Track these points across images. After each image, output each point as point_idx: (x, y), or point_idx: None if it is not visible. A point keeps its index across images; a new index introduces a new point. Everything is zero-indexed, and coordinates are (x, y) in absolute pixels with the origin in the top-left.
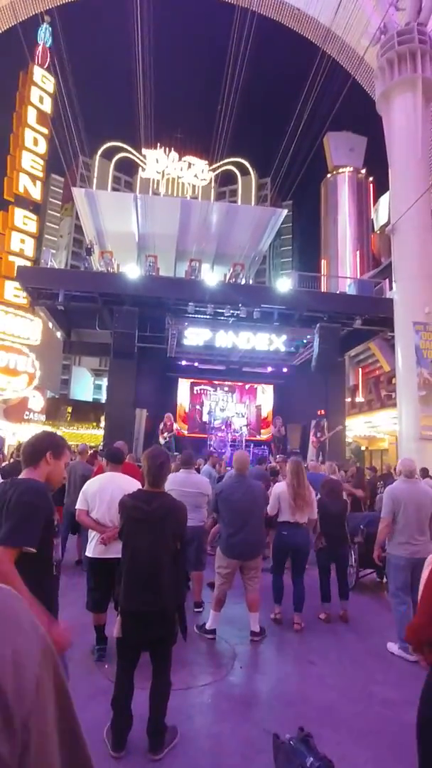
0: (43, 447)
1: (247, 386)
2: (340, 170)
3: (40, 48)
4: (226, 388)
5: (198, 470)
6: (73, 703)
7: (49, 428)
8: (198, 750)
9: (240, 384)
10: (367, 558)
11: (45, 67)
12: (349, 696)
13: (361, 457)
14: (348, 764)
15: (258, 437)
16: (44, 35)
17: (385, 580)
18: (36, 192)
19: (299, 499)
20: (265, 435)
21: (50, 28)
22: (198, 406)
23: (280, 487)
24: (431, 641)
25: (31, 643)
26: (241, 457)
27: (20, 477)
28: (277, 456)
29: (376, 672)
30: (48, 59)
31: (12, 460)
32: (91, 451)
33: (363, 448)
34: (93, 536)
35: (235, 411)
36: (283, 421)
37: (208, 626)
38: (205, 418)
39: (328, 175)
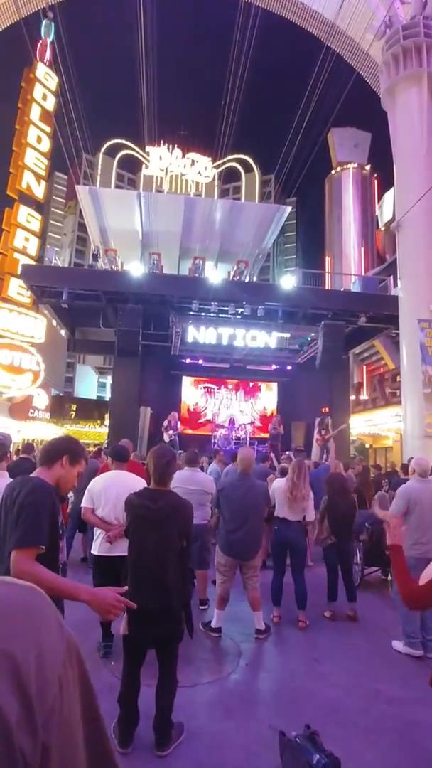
0: (61, 450)
1: (251, 384)
2: (345, 166)
3: (42, 44)
4: (230, 386)
5: (202, 468)
6: (98, 700)
7: (53, 426)
8: (204, 747)
9: (244, 382)
10: (372, 555)
11: (48, 63)
12: (355, 694)
13: (366, 455)
14: (354, 761)
15: (262, 435)
16: (47, 31)
17: (390, 577)
18: (39, 191)
19: (295, 490)
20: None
21: (53, 24)
22: (202, 404)
23: (277, 484)
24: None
25: (56, 642)
26: (246, 456)
27: (31, 475)
28: (285, 453)
29: (381, 670)
30: (51, 56)
31: (17, 458)
32: (96, 449)
33: (367, 445)
34: (99, 534)
35: (239, 409)
36: (282, 418)
37: (213, 624)
38: (209, 416)
39: (333, 172)
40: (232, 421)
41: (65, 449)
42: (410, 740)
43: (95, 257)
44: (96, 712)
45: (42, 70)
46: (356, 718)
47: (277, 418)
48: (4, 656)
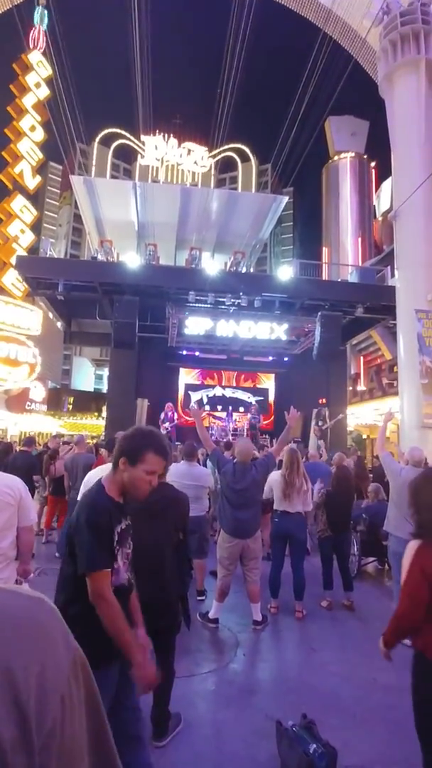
0: (117, 452)
1: (248, 375)
2: (342, 155)
3: (35, 31)
4: (227, 377)
5: (199, 461)
6: (105, 716)
7: (50, 418)
8: (201, 737)
9: (241, 373)
10: (368, 546)
11: (41, 51)
12: (352, 682)
13: (363, 445)
14: (350, 750)
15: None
16: (40, 19)
17: (387, 567)
18: (31, 182)
19: (289, 488)
20: (266, 423)
21: (46, 11)
22: (199, 396)
23: (274, 477)
24: (413, 629)
25: (61, 658)
26: (244, 447)
27: (97, 483)
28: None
29: (378, 658)
30: (44, 43)
31: (16, 452)
32: (93, 444)
33: (364, 436)
34: None
35: (236, 400)
36: (258, 408)
37: (210, 615)
38: (207, 407)
39: (330, 161)
40: (230, 413)
41: (120, 450)
42: (406, 729)
43: (94, 259)
44: (104, 733)
45: (36, 58)
46: (353, 707)
47: (255, 408)
48: (2, 672)
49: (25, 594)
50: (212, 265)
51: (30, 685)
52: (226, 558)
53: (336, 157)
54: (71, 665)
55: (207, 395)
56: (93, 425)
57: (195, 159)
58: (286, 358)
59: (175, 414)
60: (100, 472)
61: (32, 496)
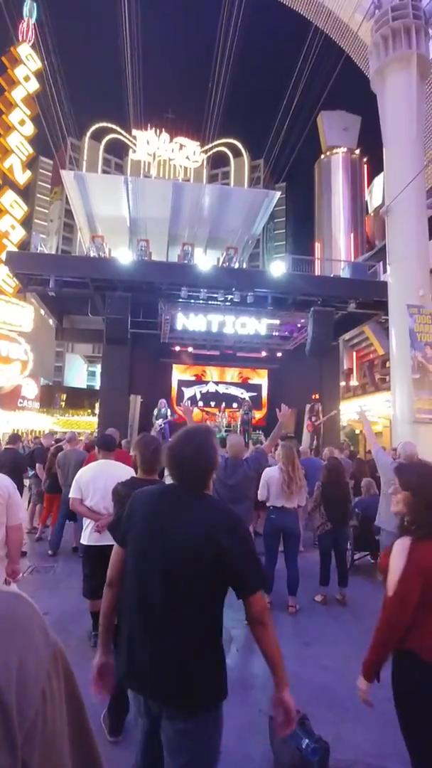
0: (209, 468)
1: (241, 371)
2: (334, 151)
3: (25, 24)
4: (220, 373)
5: None
6: (86, 710)
7: (43, 415)
8: None
9: (234, 369)
10: (362, 540)
11: (30, 44)
12: (344, 676)
13: (356, 440)
14: (343, 744)
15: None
16: (29, 11)
17: (378, 561)
18: (21, 177)
19: (293, 485)
20: (259, 417)
21: (35, 4)
22: (193, 392)
23: (270, 473)
24: (401, 634)
25: (41, 653)
26: (235, 443)
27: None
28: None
29: None
30: (33, 36)
31: (3, 449)
32: (87, 442)
33: (357, 431)
34: (88, 524)
35: (229, 396)
36: (251, 405)
37: None
38: (200, 403)
39: (322, 156)
40: (222, 409)
41: (212, 467)
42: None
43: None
44: (85, 727)
45: (25, 51)
46: (346, 701)
47: (248, 404)
48: None
49: (4, 591)
50: (205, 260)
51: (10, 680)
52: None
53: (328, 153)
54: (51, 660)
55: (200, 391)
56: (86, 422)
57: (187, 154)
58: (279, 354)
59: (169, 410)
60: (92, 469)
61: (20, 494)
